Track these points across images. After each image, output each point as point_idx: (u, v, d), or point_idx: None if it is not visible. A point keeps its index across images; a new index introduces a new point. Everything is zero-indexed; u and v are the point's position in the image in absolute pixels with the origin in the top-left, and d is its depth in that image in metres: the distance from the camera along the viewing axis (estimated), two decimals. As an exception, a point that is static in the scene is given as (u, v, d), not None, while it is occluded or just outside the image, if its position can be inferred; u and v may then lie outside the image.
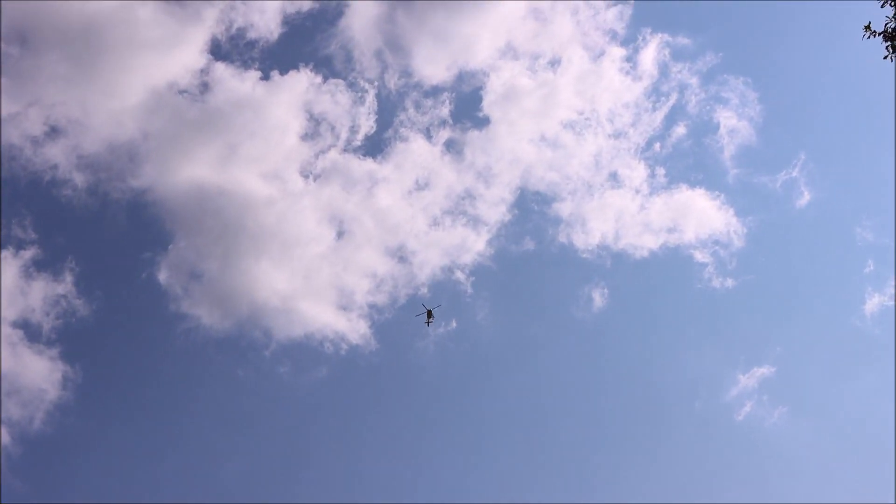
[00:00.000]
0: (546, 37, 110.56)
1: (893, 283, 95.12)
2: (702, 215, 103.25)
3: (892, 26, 28.73)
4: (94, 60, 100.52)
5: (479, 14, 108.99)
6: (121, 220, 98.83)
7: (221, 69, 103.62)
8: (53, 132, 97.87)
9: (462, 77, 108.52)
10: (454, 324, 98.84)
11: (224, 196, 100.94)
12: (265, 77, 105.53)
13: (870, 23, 28.84)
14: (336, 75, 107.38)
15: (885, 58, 28.35)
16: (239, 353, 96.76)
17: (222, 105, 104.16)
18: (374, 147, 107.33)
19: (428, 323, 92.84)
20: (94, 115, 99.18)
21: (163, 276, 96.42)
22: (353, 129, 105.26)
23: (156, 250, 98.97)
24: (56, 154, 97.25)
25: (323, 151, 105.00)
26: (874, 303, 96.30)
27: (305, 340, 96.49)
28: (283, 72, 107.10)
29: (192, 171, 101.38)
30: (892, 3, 28.25)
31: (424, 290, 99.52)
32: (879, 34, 28.76)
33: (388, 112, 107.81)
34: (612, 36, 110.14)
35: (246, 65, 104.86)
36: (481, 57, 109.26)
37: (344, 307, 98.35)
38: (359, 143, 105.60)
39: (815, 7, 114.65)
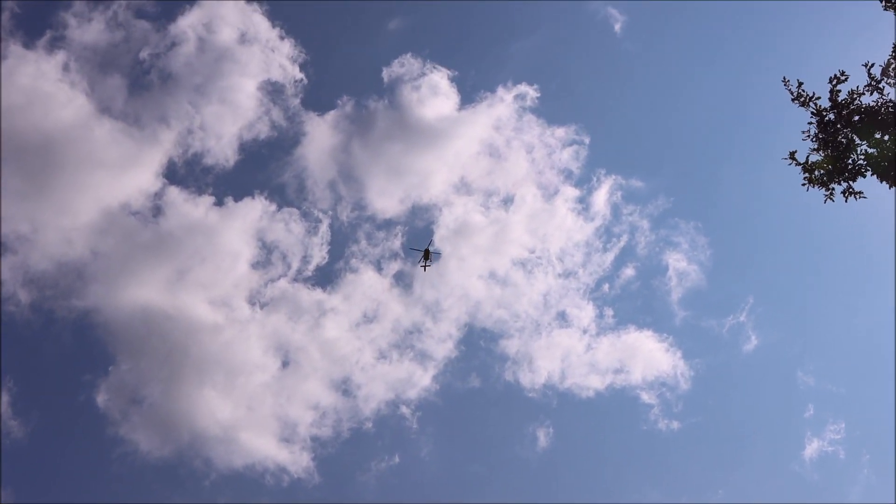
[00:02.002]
0: (500, 174, 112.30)
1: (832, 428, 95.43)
2: (649, 357, 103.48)
3: (813, 159, 29.39)
4: (48, 177, 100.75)
5: (435, 149, 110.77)
6: (63, 339, 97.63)
7: (175, 193, 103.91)
8: (1, 247, 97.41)
9: (415, 211, 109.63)
10: (397, 459, 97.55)
11: (170, 320, 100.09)
12: (219, 203, 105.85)
13: (795, 151, 29.52)
14: (290, 204, 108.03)
15: (802, 185, 29.01)
16: (177, 481, 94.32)
17: (174, 229, 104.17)
18: (325, 277, 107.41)
19: (424, 267, 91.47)
20: (44, 231, 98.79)
21: (101, 399, 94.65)
22: (305, 259, 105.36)
23: (96, 372, 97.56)
24: (2, 269, 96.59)
25: (273, 280, 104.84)
26: (813, 448, 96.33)
27: (246, 472, 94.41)
28: (238, 198, 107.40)
29: (139, 293, 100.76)
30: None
31: (369, 425, 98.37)
32: (799, 164, 29.42)
33: (340, 243, 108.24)
34: (567, 175, 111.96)
35: (200, 190, 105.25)
36: (435, 191, 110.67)
37: (287, 439, 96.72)
38: (309, 273, 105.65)
39: (765, 157, 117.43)
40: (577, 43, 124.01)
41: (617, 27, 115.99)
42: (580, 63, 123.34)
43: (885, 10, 28.76)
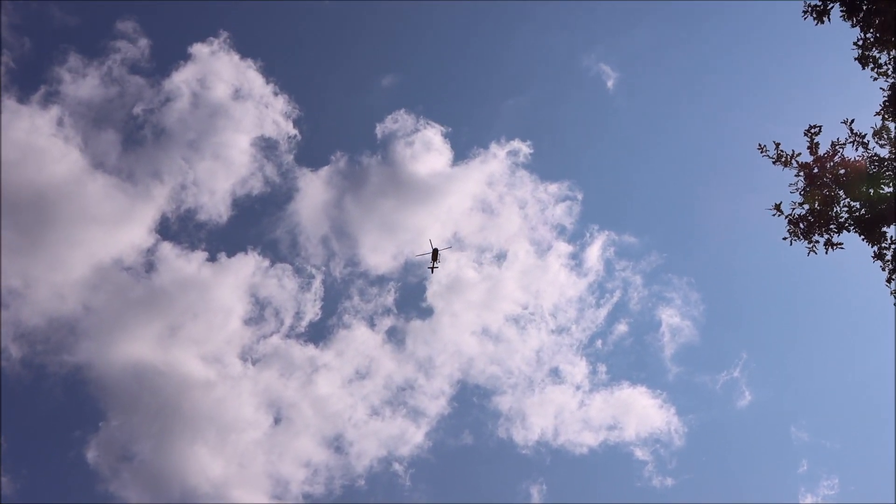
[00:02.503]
0: (493, 230, 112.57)
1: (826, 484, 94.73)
2: (643, 413, 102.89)
3: (798, 212, 29.41)
4: (41, 232, 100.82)
5: (428, 205, 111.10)
6: (54, 394, 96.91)
7: (168, 249, 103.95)
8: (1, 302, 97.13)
9: (408, 267, 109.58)
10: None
11: (162, 376, 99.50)
12: (212, 258, 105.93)
13: (780, 203, 29.54)
14: (283, 260, 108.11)
15: (785, 239, 29.02)
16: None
17: (167, 285, 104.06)
18: (317, 333, 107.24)
19: (433, 268, 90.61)
20: (37, 286, 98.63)
21: (92, 456, 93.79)
22: (298, 315, 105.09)
23: (87, 428, 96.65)
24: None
25: (265, 336, 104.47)
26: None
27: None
28: (231, 254, 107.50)
29: (131, 349, 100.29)
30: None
31: (361, 482, 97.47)
32: (785, 217, 29.43)
33: (332, 299, 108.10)
34: (560, 231, 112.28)
35: (193, 245, 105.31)
36: (428, 247, 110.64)
37: (278, 496, 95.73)
38: (302, 329, 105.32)
39: (757, 211, 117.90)
40: (569, 99, 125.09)
41: (609, 84, 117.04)
42: (573, 119, 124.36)
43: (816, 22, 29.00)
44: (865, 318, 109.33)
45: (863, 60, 28.89)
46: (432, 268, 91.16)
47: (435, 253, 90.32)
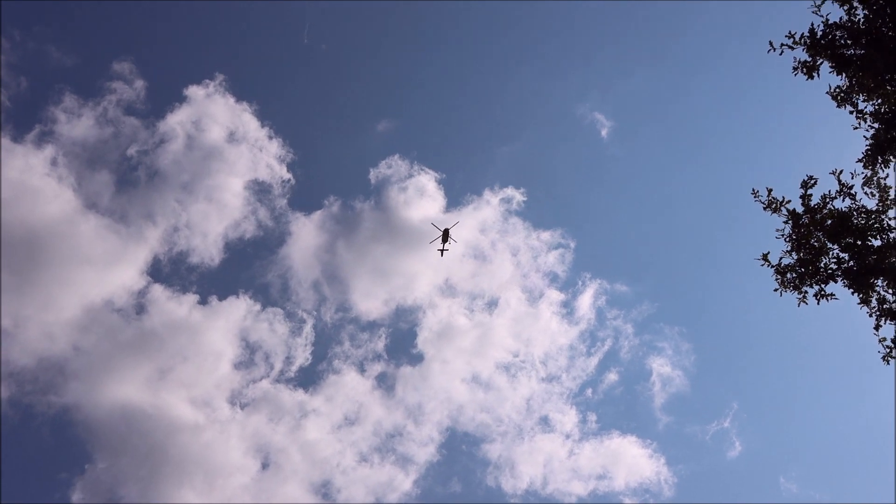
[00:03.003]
0: (486, 277, 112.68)
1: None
2: (632, 463, 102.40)
3: (786, 261, 29.62)
4: (31, 272, 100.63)
5: (420, 251, 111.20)
6: (41, 435, 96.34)
7: (159, 291, 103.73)
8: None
9: (399, 313, 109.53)
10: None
11: (150, 419, 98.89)
12: (203, 301, 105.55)
13: (768, 253, 29.77)
14: (274, 304, 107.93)
15: (776, 290, 29.21)
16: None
17: (157, 327, 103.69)
18: (307, 378, 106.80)
19: (443, 251, 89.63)
20: (26, 326, 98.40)
21: (77, 498, 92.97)
22: (288, 360, 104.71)
23: (73, 470, 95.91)
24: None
25: (255, 380, 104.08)
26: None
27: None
28: (222, 297, 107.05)
29: (120, 391, 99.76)
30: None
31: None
32: (772, 266, 29.65)
33: (323, 344, 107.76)
34: (552, 278, 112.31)
35: (184, 288, 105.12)
36: (419, 293, 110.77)
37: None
38: (292, 374, 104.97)
39: (749, 261, 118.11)
40: (563, 147, 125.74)
41: (603, 132, 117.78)
42: (567, 167, 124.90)
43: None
44: (856, 368, 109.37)
45: (839, 99, 29.20)
46: (442, 250, 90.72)
47: (445, 233, 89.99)
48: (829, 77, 29.38)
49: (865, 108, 29.09)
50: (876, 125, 28.79)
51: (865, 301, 28.91)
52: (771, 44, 29.15)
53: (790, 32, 29.01)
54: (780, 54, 29.13)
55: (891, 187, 29.10)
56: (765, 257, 29.80)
